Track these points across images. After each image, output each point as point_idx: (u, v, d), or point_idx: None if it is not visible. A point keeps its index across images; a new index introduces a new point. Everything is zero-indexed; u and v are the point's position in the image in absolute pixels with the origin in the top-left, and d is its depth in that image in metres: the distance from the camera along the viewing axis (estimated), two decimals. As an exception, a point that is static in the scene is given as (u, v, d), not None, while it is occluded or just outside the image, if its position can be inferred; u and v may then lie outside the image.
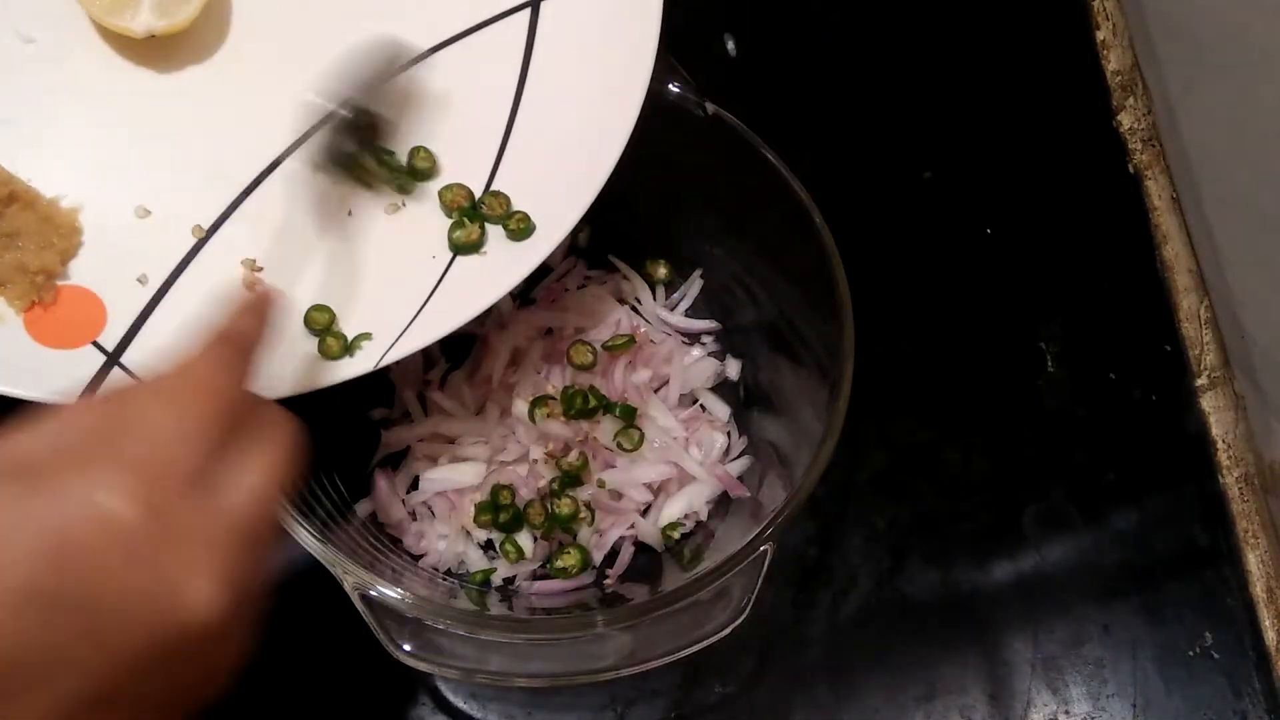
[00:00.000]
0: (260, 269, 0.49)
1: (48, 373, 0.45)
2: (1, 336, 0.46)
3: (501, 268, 0.49)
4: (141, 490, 0.31)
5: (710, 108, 0.53)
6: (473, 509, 0.54)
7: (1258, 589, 0.59)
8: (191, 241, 0.50)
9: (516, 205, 0.51)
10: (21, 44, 0.51)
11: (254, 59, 0.53)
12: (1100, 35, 0.72)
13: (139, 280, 0.49)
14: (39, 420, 0.33)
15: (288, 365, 0.45)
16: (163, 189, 0.51)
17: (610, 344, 0.56)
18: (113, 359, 0.46)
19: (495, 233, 0.51)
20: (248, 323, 0.38)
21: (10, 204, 0.48)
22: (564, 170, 0.50)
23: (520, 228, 0.50)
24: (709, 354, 0.59)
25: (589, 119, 0.51)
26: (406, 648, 0.45)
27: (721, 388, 0.59)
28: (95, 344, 0.47)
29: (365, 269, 0.49)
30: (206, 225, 0.50)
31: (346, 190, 0.50)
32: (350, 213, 0.50)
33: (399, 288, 0.49)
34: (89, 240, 0.49)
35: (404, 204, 0.51)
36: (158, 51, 0.52)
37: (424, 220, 0.51)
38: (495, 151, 0.52)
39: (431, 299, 0.49)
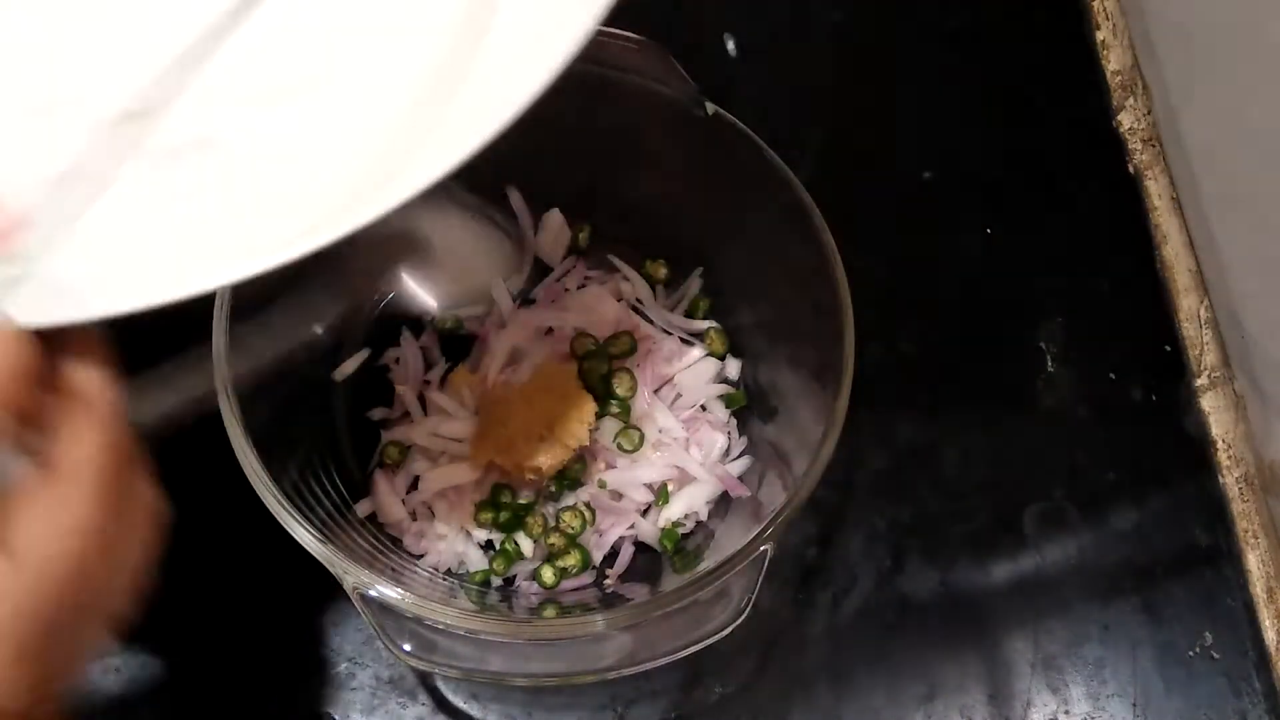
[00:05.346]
0: None
1: None
2: None
3: None
4: None
5: (710, 108, 0.53)
6: (473, 509, 0.54)
7: (1258, 589, 0.59)
8: None
9: None
10: None
11: None
12: (1100, 35, 0.72)
13: None
14: None
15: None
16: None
17: (612, 349, 0.56)
18: None
19: None
20: None
21: None
22: None
23: None
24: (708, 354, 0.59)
25: None
26: (406, 648, 0.45)
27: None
28: None
29: None
30: None
31: None
32: None
33: None
34: None
35: None
36: None
37: None
38: None
39: None
